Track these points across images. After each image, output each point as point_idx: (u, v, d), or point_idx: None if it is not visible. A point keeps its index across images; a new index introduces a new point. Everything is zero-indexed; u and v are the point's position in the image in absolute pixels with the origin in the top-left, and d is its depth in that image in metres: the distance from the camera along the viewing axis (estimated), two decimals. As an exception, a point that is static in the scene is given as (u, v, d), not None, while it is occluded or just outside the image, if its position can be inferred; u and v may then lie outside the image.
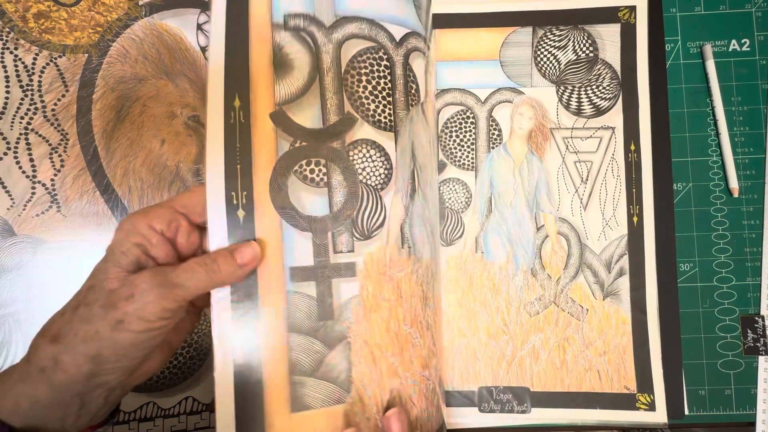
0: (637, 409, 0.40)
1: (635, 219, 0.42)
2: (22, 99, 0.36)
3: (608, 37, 0.44)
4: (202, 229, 0.28)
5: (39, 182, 0.37)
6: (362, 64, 0.32)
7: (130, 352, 0.24)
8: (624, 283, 0.42)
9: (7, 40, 0.36)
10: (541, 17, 0.44)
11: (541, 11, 0.44)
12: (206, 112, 0.27)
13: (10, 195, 0.36)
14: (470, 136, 0.44)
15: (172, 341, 0.29)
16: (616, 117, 0.43)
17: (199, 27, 0.41)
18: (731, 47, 0.45)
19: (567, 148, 0.43)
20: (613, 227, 0.42)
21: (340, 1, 0.32)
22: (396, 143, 0.33)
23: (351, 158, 0.31)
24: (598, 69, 0.44)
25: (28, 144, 0.37)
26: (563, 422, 0.41)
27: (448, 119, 0.44)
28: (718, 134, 0.44)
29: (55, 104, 0.37)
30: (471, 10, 0.45)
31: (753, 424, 0.42)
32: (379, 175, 0.32)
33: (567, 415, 0.41)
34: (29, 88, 0.37)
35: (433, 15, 0.44)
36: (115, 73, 0.39)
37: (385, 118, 0.33)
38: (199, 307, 0.30)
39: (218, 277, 0.26)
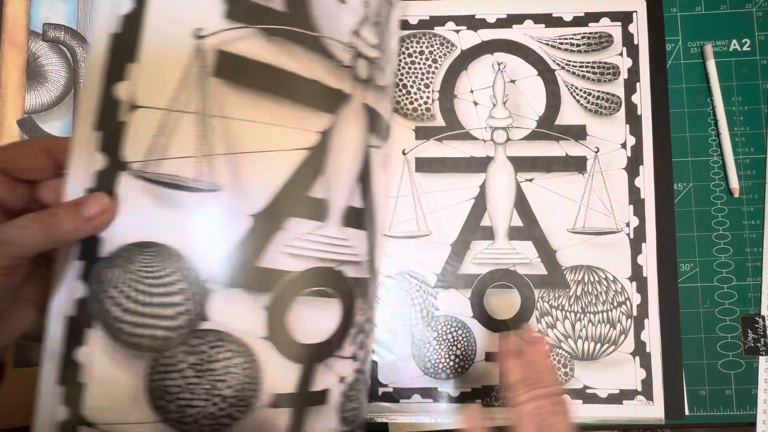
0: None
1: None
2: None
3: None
4: (30, 183, 0.26)
5: None
6: None
7: None
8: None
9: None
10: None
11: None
12: None
13: None
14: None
15: (32, 297, 0.26)
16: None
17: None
18: (732, 47, 0.45)
19: (567, 149, 0.43)
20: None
21: None
22: None
23: None
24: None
25: None
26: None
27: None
28: (718, 134, 0.44)
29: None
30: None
31: (753, 424, 0.42)
32: None
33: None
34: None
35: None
36: None
37: None
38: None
39: (58, 233, 0.23)
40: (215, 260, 0.27)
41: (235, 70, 0.27)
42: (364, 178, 0.32)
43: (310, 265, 0.29)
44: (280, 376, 0.28)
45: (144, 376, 0.26)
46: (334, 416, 0.30)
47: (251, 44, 0.27)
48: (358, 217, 0.32)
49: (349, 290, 0.31)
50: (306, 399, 0.29)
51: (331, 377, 0.30)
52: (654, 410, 0.41)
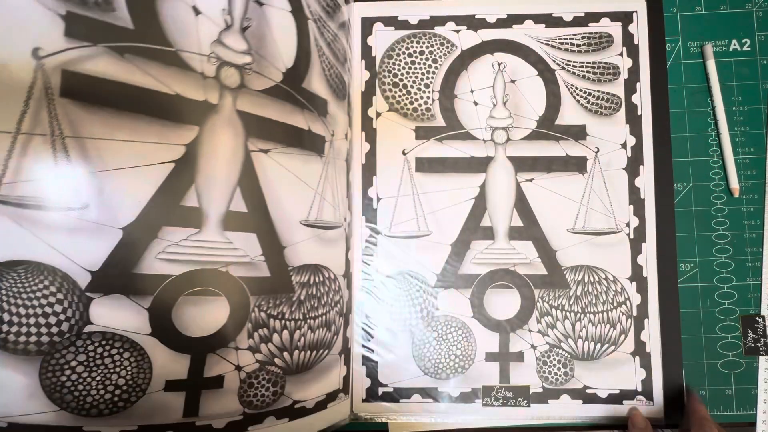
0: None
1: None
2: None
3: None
4: None
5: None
6: None
7: None
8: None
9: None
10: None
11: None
12: None
13: None
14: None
15: None
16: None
17: None
18: (732, 47, 0.45)
19: (567, 149, 0.43)
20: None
21: None
22: None
23: None
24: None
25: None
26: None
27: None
28: (718, 134, 0.44)
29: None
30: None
31: (753, 424, 0.42)
32: None
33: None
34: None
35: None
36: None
37: None
38: None
39: None
40: (90, 271, 0.28)
41: (84, 89, 0.27)
42: (247, 183, 0.33)
43: (189, 268, 0.31)
44: (170, 365, 0.31)
45: (37, 376, 0.28)
46: (233, 399, 0.33)
47: (101, 63, 0.27)
48: (243, 221, 0.33)
49: (239, 288, 0.33)
50: (199, 384, 0.32)
51: (226, 365, 0.33)
52: (654, 410, 0.41)
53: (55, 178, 0.27)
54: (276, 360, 0.35)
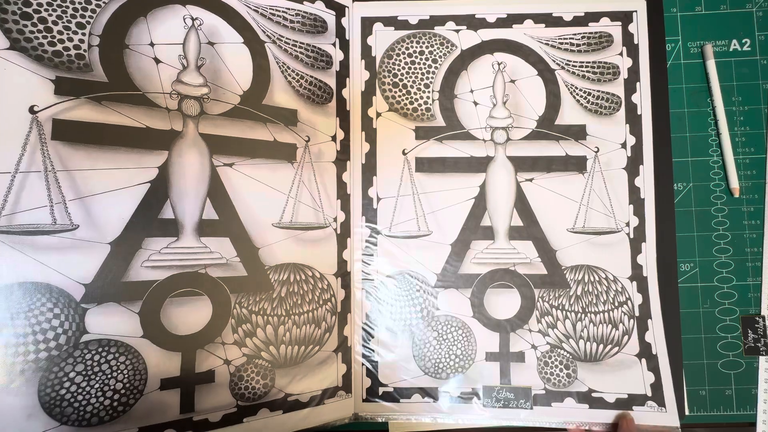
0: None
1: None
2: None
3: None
4: None
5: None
6: None
7: None
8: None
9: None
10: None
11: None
12: None
13: None
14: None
15: None
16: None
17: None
18: (732, 47, 0.45)
19: (567, 148, 0.43)
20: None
21: None
22: None
23: None
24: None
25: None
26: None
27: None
28: (718, 134, 0.44)
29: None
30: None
31: (753, 424, 0.42)
32: None
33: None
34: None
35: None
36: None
37: None
38: None
39: None
40: (84, 284, 0.32)
41: (71, 132, 0.33)
42: (216, 193, 0.37)
43: (172, 273, 0.35)
44: (163, 364, 0.34)
45: (36, 395, 0.30)
46: (225, 392, 0.37)
47: (83, 110, 0.33)
48: (216, 227, 0.37)
49: (219, 288, 0.37)
50: (192, 379, 0.35)
51: (215, 360, 0.36)
52: (667, 417, 0.40)
53: (49, 206, 0.32)
54: (263, 354, 0.38)
